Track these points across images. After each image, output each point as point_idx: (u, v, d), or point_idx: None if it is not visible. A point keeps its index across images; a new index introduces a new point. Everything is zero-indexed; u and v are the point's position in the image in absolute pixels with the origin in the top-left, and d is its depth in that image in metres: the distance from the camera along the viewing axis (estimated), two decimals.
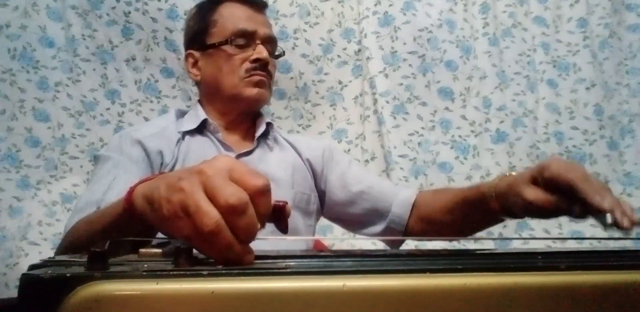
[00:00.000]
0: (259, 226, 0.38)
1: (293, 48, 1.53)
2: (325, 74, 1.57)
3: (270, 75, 1.00)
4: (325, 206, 1.02)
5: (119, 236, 0.43)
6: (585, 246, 0.90)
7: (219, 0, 1.02)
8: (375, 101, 1.53)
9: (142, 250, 0.39)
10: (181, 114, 1.04)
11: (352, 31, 1.58)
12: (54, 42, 1.41)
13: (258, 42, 0.98)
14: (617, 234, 0.53)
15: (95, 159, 0.94)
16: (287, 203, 0.42)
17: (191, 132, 0.96)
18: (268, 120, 1.03)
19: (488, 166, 1.53)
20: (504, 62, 1.59)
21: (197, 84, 1.06)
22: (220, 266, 0.35)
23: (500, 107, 1.56)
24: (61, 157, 1.38)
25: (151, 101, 1.47)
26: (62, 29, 1.42)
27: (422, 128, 1.55)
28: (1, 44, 1.37)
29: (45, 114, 1.38)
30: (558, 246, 1.30)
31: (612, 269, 0.34)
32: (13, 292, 1.23)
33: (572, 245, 1.18)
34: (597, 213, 0.54)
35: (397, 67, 1.56)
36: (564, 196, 0.58)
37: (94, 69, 1.45)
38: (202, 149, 0.94)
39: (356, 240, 1.34)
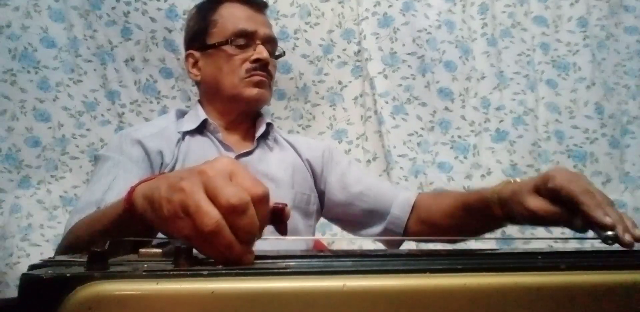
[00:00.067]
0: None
1: (293, 48, 1.53)
2: (325, 74, 1.57)
3: (270, 76, 1.00)
4: (325, 207, 1.02)
5: (119, 236, 0.43)
6: (587, 246, 0.90)
7: (219, 1, 1.02)
8: (375, 102, 1.54)
9: (142, 250, 0.39)
10: (181, 114, 1.04)
11: (352, 32, 1.58)
12: (55, 43, 1.41)
13: (258, 42, 0.98)
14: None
15: (96, 159, 0.94)
16: (286, 205, 0.42)
17: (191, 132, 0.96)
18: (268, 120, 1.03)
19: (489, 165, 1.53)
20: (502, 63, 1.59)
21: (197, 84, 1.06)
22: (220, 266, 0.35)
23: (499, 107, 1.56)
24: (61, 158, 1.38)
25: (150, 102, 1.47)
26: (63, 29, 1.43)
27: (422, 128, 1.55)
28: (2, 44, 1.37)
29: (46, 114, 1.38)
30: (559, 246, 1.30)
31: (612, 269, 0.34)
32: (13, 292, 1.23)
33: (572, 245, 1.18)
34: (598, 227, 0.53)
35: (396, 69, 1.56)
36: (566, 208, 0.58)
37: (95, 70, 1.45)
38: (202, 149, 0.94)
39: (356, 238, 1.34)
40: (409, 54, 1.57)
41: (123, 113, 1.45)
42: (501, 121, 1.56)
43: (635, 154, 1.57)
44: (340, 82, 1.57)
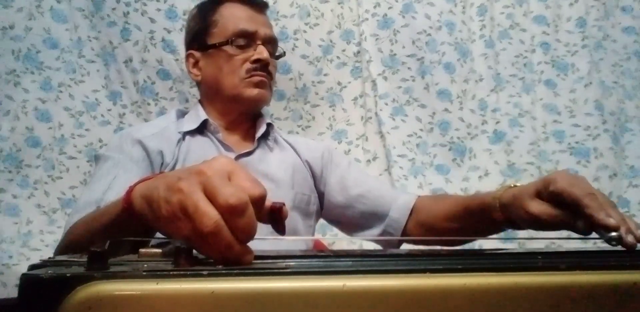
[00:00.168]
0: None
1: (293, 49, 1.53)
2: (325, 75, 1.57)
3: (270, 76, 1.00)
4: (324, 208, 1.02)
5: (119, 235, 0.43)
6: (588, 245, 0.89)
7: (220, 1, 1.02)
8: (375, 103, 1.54)
9: (142, 250, 0.39)
10: (182, 114, 1.04)
11: (351, 33, 1.58)
12: (58, 44, 1.41)
13: (259, 42, 0.98)
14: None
15: (96, 159, 0.94)
16: (284, 204, 0.42)
17: (191, 133, 0.96)
18: (268, 120, 1.03)
19: (486, 166, 1.53)
20: (499, 65, 1.59)
21: (198, 84, 1.06)
22: (220, 266, 0.35)
23: (495, 108, 1.57)
24: (59, 157, 1.38)
25: (148, 103, 1.47)
26: (66, 30, 1.43)
27: (421, 130, 1.55)
28: (6, 45, 1.37)
29: (47, 114, 1.38)
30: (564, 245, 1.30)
31: (612, 269, 0.34)
32: (12, 292, 1.23)
33: (573, 245, 1.18)
34: (602, 229, 0.53)
35: (396, 70, 1.57)
36: (569, 211, 0.58)
37: (98, 70, 1.45)
38: (202, 149, 0.94)
39: (356, 238, 1.34)
40: (408, 56, 1.57)
41: (124, 114, 1.45)
42: (497, 123, 1.56)
43: (638, 148, 1.56)
44: (339, 83, 1.57)
